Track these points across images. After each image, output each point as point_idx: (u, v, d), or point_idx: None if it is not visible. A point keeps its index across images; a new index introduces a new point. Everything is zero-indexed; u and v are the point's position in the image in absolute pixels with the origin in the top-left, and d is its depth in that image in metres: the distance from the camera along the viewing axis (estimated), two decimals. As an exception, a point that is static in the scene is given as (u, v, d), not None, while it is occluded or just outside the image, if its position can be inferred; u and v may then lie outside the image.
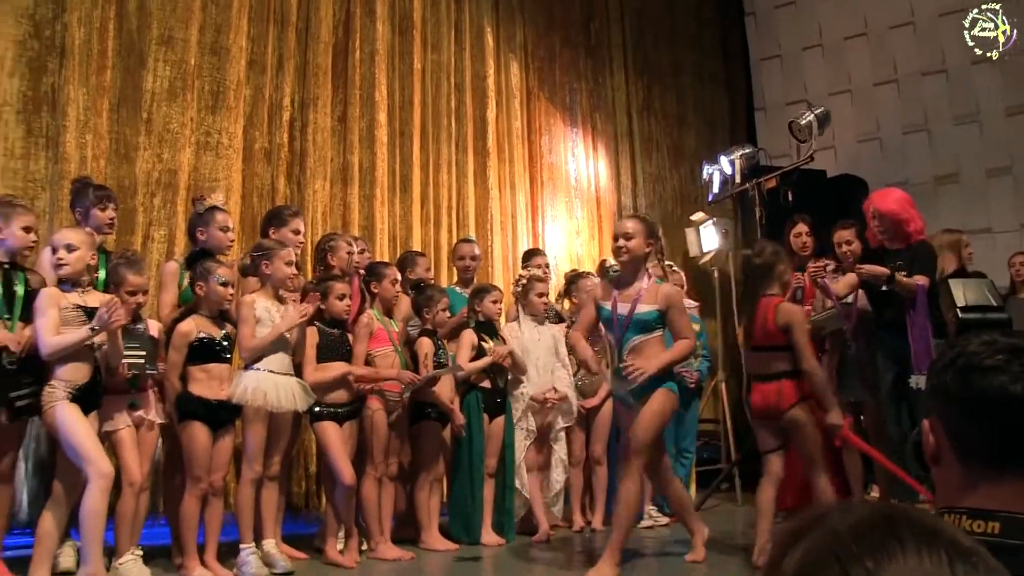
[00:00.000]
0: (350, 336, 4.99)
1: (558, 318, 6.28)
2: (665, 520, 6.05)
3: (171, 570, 4.46)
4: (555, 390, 5.76)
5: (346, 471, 4.74)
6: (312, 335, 4.80)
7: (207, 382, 4.41)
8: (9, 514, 4.27)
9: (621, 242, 4.58)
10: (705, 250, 8.91)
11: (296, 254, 5.04)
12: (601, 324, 4.78)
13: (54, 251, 4.09)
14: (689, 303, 6.99)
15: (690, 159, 9.84)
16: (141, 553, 4.28)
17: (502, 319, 6.14)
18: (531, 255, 6.73)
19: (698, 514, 5.23)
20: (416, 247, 7.09)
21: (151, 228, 6.15)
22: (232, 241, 5.06)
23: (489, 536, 5.45)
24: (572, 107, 9.15)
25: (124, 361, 4.16)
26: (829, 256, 5.84)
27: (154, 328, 4.45)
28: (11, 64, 5.77)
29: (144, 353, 4.27)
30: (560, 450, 5.88)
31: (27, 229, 4.20)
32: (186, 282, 4.77)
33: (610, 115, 9.48)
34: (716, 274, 8.82)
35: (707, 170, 7.91)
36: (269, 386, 4.49)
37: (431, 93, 7.90)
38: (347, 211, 7.10)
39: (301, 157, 6.96)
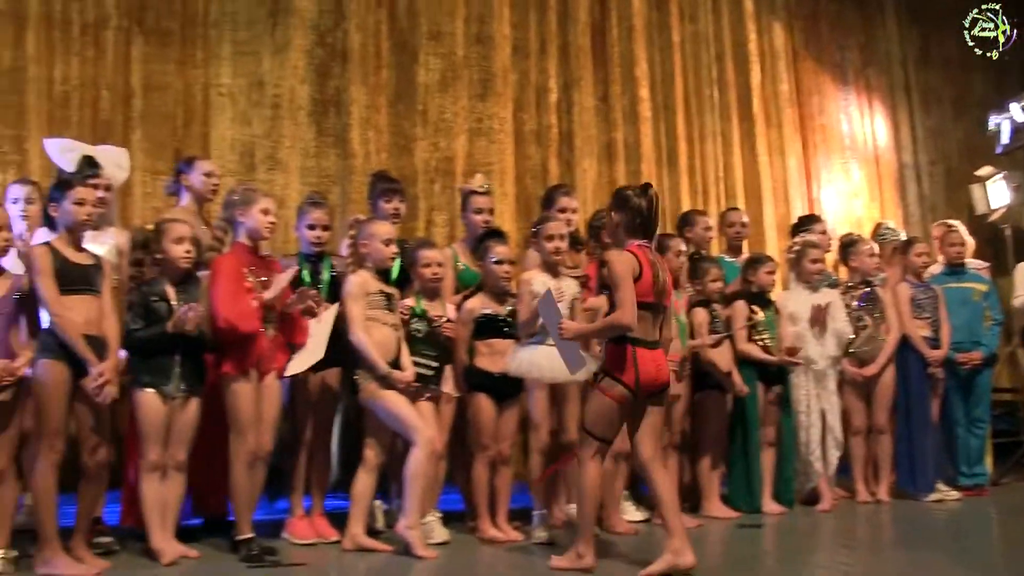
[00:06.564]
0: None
1: (833, 284, 6.07)
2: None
3: (465, 531, 4.74)
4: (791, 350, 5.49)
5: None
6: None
7: (490, 356, 4.66)
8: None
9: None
10: (994, 207, 8.26)
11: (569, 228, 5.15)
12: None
13: (364, 243, 4.45)
14: (977, 263, 6.60)
15: (975, 109, 9.04)
16: (440, 515, 4.60)
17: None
18: (806, 221, 6.54)
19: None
20: (684, 220, 7.06)
21: (432, 213, 6.69)
22: (487, 222, 5.20)
23: (770, 505, 5.43)
24: (842, 64, 8.74)
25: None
26: None
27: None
28: (303, 72, 6.54)
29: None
30: (834, 426, 5.67)
31: (319, 226, 4.60)
32: (460, 265, 5.07)
33: (884, 69, 8.94)
34: (1009, 231, 8.17)
35: (994, 120, 7.34)
36: (542, 358, 4.54)
37: (691, 64, 7.87)
38: (615, 188, 7.17)
39: (569, 137, 7.21)
